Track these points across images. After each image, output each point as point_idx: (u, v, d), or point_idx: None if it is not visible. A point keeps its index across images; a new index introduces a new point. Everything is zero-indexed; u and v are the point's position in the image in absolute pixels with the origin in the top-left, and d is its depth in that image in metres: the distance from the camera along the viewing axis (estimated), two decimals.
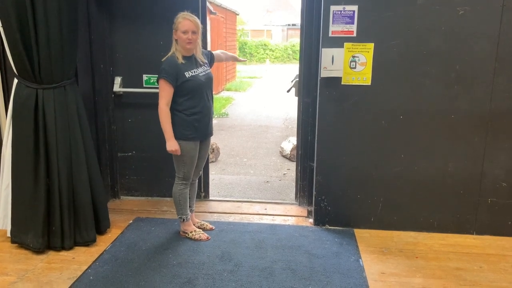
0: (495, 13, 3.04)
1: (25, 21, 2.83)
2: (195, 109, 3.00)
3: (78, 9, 3.06)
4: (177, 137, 3.01)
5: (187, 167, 3.11)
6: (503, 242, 3.26)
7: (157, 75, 3.67)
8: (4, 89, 3.44)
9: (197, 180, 3.40)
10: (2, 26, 2.88)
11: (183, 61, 2.95)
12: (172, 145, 2.97)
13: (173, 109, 2.99)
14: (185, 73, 2.93)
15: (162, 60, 2.98)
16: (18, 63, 2.94)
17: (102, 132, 3.83)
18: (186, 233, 3.28)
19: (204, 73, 3.05)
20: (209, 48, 3.48)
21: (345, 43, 3.16)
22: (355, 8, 3.11)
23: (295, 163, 4.07)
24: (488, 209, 3.33)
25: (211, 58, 3.25)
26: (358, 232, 3.39)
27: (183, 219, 3.25)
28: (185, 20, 2.90)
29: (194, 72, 2.98)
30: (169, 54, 2.99)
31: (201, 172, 3.41)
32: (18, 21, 2.82)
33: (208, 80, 3.07)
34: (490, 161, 3.25)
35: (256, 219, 3.66)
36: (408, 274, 2.84)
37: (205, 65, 3.11)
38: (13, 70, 3.01)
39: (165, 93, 2.92)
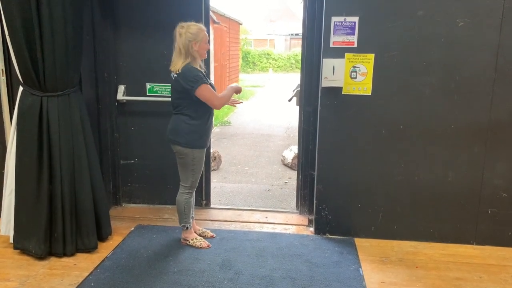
0: (494, 25, 3.07)
1: (31, 30, 2.88)
2: (207, 116, 3.08)
3: (83, 18, 3.11)
4: (191, 145, 3.04)
5: (196, 176, 3.15)
6: (503, 253, 3.26)
7: (161, 84, 3.78)
8: (9, 96, 3.49)
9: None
10: (9, 34, 2.93)
11: (201, 70, 3.03)
12: (236, 88, 3.19)
13: (189, 116, 3.01)
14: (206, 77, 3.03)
15: (180, 70, 2.93)
16: (24, 71, 2.98)
17: (105, 140, 3.87)
18: (187, 240, 3.29)
19: (211, 81, 3.14)
20: (212, 57, 3.53)
21: (345, 54, 3.20)
22: (355, 19, 3.15)
23: (296, 171, 4.09)
24: (488, 219, 3.33)
25: None
26: (359, 241, 3.40)
27: (186, 227, 3.27)
28: (205, 32, 3.03)
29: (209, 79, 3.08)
30: (184, 64, 2.95)
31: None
32: (24, 29, 2.87)
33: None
34: (490, 171, 3.26)
35: (257, 228, 3.67)
36: (408, 284, 2.84)
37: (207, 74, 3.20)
38: (18, 78, 3.05)
39: (213, 92, 2.99)
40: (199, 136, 3.06)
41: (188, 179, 3.15)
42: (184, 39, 2.94)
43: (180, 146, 3.05)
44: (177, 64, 2.97)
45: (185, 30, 2.95)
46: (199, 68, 3.00)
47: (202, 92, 2.94)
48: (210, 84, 3.03)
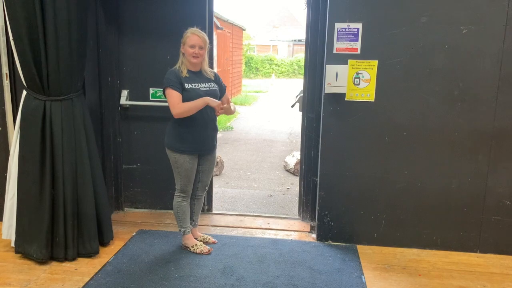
0: (498, 32, 3.07)
1: (35, 34, 2.89)
2: (191, 122, 3.00)
3: (87, 22, 3.12)
4: (171, 147, 3.07)
5: (183, 180, 3.13)
6: (507, 261, 3.24)
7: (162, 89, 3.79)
8: (13, 100, 3.50)
9: (203, 196, 3.40)
10: (13, 38, 2.94)
11: (187, 75, 3.00)
12: (211, 101, 2.93)
13: (172, 119, 3.05)
14: (185, 84, 2.97)
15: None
16: (27, 75, 2.99)
17: (108, 144, 3.87)
18: (188, 247, 3.28)
19: (206, 88, 3.04)
20: (215, 62, 3.53)
21: (349, 60, 3.20)
22: (359, 25, 3.15)
23: (298, 177, 4.08)
24: (492, 227, 3.31)
25: (220, 85, 3.20)
26: (361, 248, 3.38)
27: (183, 232, 3.26)
28: (193, 35, 2.97)
29: (195, 86, 3.00)
30: (174, 67, 3.04)
31: (207, 188, 3.41)
32: (29, 34, 2.88)
33: (209, 95, 3.00)
34: (493, 179, 3.25)
35: (258, 234, 3.66)
36: None
37: (212, 82, 3.11)
38: (22, 82, 3.06)
39: (175, 99, 2.92)
40: (180, 140, 3.04)
41: (178, 182, 3.16)
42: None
43: (166, 147, 3.11)
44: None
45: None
46: (185, 74, 2.97)
47: (167, 96, 2.98)
48: (188, 90, 2.95)
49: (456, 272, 3.08)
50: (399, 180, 3.33)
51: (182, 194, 3.18)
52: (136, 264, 3.07)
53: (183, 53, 3.02)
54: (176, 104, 2.92)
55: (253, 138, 8.47)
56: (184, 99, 2.95)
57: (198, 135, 3.06)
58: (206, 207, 4.05)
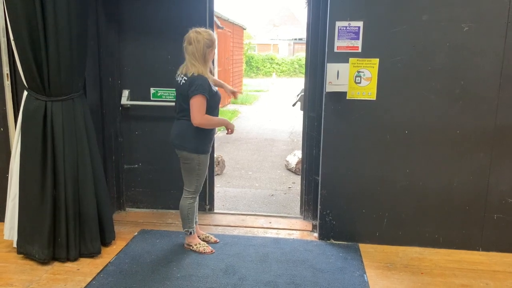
0: (499, 30, 3.06)
1: (36, 35, 2.89)
2: None
3: (87, 22, 3.12)
4: (197, 151, 3.05)
5: (200, 181, 3.15)
6: (509, 259, 3.23)
7: (165, 88, 3.79)
8: (14, 101, 3.50)
9: None
10: (14, 39, 2.94)
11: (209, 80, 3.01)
12: (231, 126, 3.21)
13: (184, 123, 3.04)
14: (213, 89, 3.00)
15: (192, 75, 2.92)
16: (28, 75, 2.99)
17: (109, 144, 3.87)
18: (191, 245, 3.28)
19: (216, 89, 3.13)
20: (216, 62, 3.53)
21: (350, 58, 3.19)
22: (360, 24, 3.14)
23: (300, 176, 4.07)
24: (494, 225, 3.30)
25: None
26: (363, 247, 3.38)
27: (190, 232, 3.26)
28: None
29: (215, 89, 3.06)
30: (200, 71, 2.94)
31: None
32: (29, 34, 2.88)
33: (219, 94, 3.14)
34: (495, 177, 3.24)
35: (260, 233, 3.65)
36: None
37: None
38: (23, 83, 3.06)
39: (203, 107, 2.91)
40: (205, 141, 3.08)
41: (192, 184, 3.15)
42: (203, 45, 2.92)
43: (186, 152, 3.05)
44: (196, 69, 2.92)
45: (203, 36, 2.92)
46: (209, 74, 3.00)
47: (194, 101, 2.89)
48: (215, 94, 3.01)
49: (458, 270, 3.07)
50: (401, 179, 3.32)
51: (194, 196, 3.19)
52: (138, 264, 3.07)
53: (211, 57, 3.01)
54: (203, 113, 2.93)
55: (254, 137, 8.46)
56: (214, 102, 3.01)
57: (214, 133, 3.20)
58: (208, 207, 4.05)
